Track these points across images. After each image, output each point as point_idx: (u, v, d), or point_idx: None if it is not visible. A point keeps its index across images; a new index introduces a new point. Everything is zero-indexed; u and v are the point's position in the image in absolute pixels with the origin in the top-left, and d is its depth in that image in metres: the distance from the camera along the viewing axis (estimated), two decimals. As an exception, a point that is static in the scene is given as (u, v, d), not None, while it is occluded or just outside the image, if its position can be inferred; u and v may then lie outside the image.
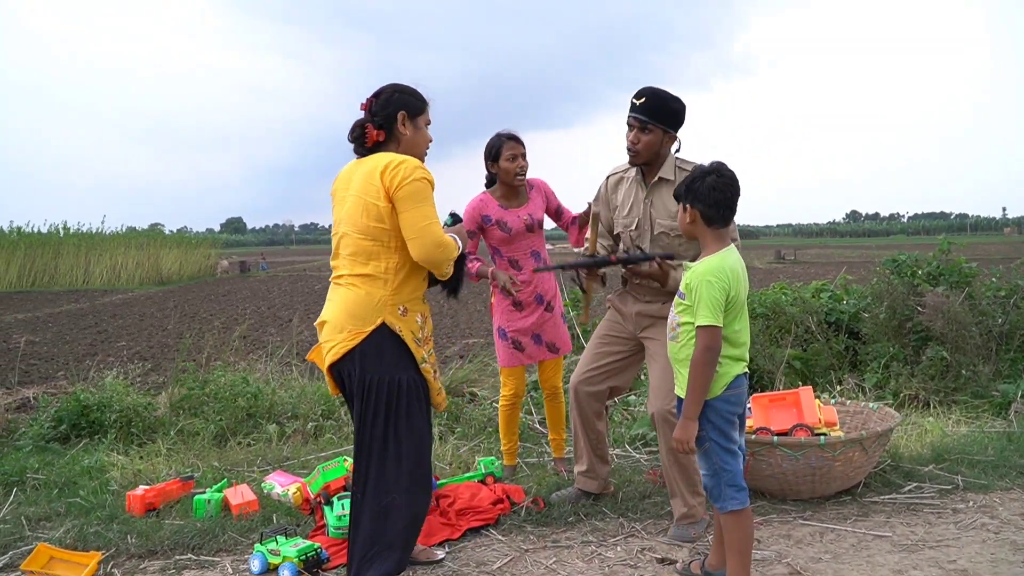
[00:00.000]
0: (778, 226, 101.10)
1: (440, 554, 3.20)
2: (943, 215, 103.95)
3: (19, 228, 28.78)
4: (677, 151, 3.44)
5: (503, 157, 3.97)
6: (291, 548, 3.03)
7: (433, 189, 2.72)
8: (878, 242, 55.99)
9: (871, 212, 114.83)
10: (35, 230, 28.87)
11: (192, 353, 6.75)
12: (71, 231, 29.41)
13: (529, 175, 4.07)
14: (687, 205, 2.73)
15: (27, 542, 3.35)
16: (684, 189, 2.74)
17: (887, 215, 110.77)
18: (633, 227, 3.46)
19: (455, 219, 3.15)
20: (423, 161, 2.87)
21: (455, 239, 2.82)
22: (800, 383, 5.55)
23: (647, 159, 3.39)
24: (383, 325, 2.71)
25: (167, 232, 35.77)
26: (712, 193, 2.68)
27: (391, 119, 2.81)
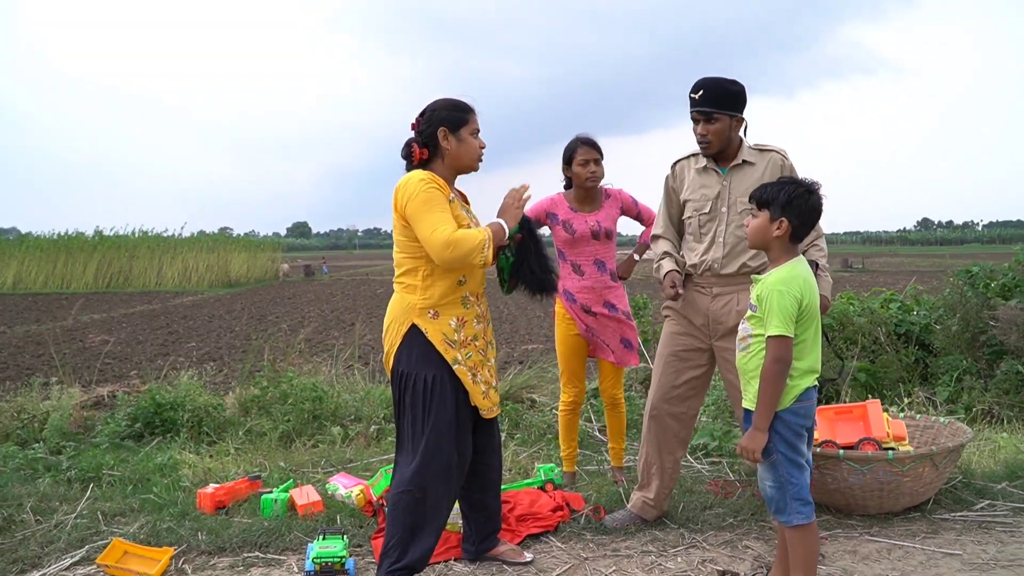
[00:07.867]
0: (845, 233, 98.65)
1: (529, 556, 3.28)
2: (1021, 223, 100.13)
3: (100, 232, 29.89)
4: (745, 132, 3.39)
5: (576, 162, 3.99)
6: (319, 548, 3.08)
7: (439, 193, 2.82)
8: (951, 251, 54.26)
9: (944, 220, 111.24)
10: (115, 234, 29.96)
11: (259, 355, 6.91)
12: (146, 234, 30.44)
13: (605, 183, 4.08)
14: (781, 217, 2.66)
15: (103, 536, 3.47)
16: (783, 201, 2.66)
17: (961, 223, 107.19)
18: (706, 210, 3.39)
19: (522, 229, 3.11)
20: (476, 168, 3.04)
21: (484, 230, 2.83)
22: (867, 396, 5.43)
23: (720, 147, 3.35)
24: (413, 327, 2.90)
25: (235, 236, 36.58)
26: (812, 213, 2.69)
27: (433, 136, 2.96)
